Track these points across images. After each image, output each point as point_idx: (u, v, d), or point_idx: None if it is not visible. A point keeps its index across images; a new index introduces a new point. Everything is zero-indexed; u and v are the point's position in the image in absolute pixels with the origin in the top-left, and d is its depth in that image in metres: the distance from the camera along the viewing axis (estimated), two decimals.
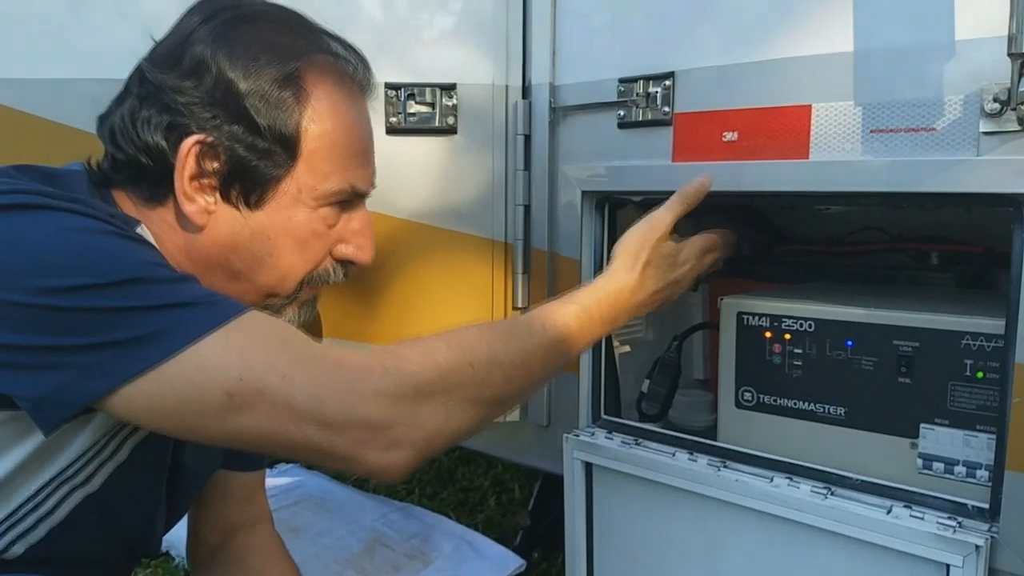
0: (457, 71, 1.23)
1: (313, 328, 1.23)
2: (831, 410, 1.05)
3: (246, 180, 0.81)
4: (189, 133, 0.78)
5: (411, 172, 1.24)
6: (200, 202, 0.80)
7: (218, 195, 0.81)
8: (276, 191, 0.82)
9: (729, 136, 1.04)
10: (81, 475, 0.76)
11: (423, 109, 1.23)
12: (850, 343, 1.03)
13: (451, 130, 1.23)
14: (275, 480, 1.76)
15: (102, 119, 0.83)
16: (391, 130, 1.23)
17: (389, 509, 1.61)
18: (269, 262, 0.83)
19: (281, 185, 0.82)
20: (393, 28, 1.22)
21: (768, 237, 1.55)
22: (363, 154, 0.88)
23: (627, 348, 1.39)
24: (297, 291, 0.86)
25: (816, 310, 1.06)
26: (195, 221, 0.80)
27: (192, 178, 0.79)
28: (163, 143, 0.78)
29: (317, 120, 0.82)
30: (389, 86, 1.21)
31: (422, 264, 1.25)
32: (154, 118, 0.78)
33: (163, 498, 0.91)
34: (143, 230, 0.79)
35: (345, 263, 0.88)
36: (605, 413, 1.25)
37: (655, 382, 1.30)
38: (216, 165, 0.80)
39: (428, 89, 1.22)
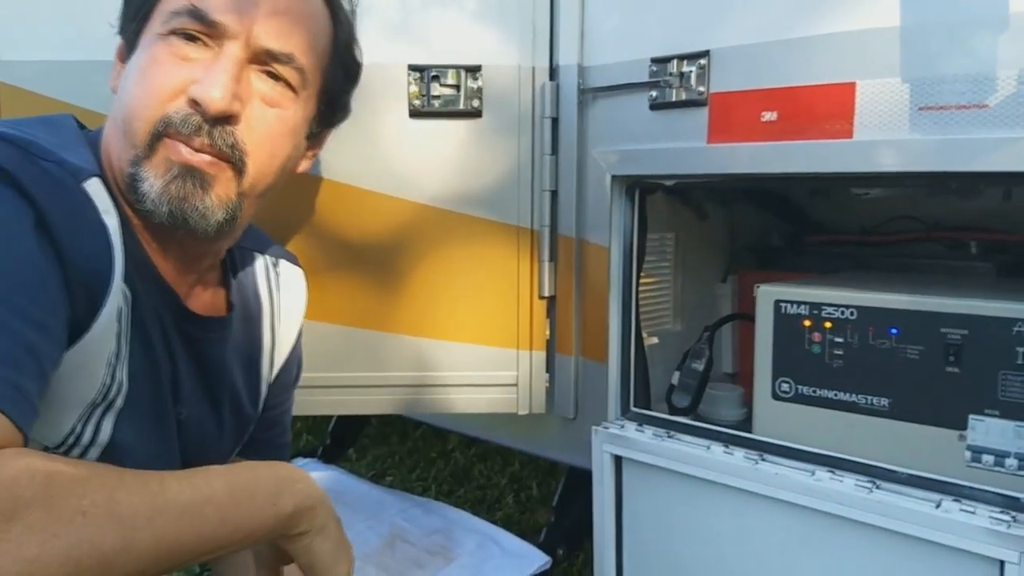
0: (482, 52, 1.19)
1: (321, 312, 1.18)
2: (874, 401, 1.01)
3: (129, 22, 0.81)
4: None
5: (434, 156, 1.20)
6: (117, 67, 0.82)
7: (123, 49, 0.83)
8: (147, 29, 0.79)
9: (768, 116, 1.00)
10: None
11: (447, 91, 1.19)
12: (895, 331, 0.98)
13: (476, 113, 1.19)
14: None
15: None
16: (414, 113, 1.19)
17: (409, 504, 1.58)
18: (123, 102, 0.77)
19: (150, 23, 0.79)
20: (416, 8, 1.19)
21: (798, 227, 1.51)
22: None
23: (655, 340, 1.35)
24: (150, 142, 0.75)
25: (859, 297, 1.02)
26: (112, 88, 0.82)
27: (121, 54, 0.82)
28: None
29: None
30: (412, 68, 1.18)
31: (445, 251, 1.22)
32: None
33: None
34: (95, 184, 0.71)
35: (193, 106, 0.74)
36: (635, 405, 1.21)
37: (685, 374, 1.27)
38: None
39: (452, 71, 1.19)
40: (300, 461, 1.88)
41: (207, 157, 0.76)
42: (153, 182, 0.74)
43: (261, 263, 1.00)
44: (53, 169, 0.67)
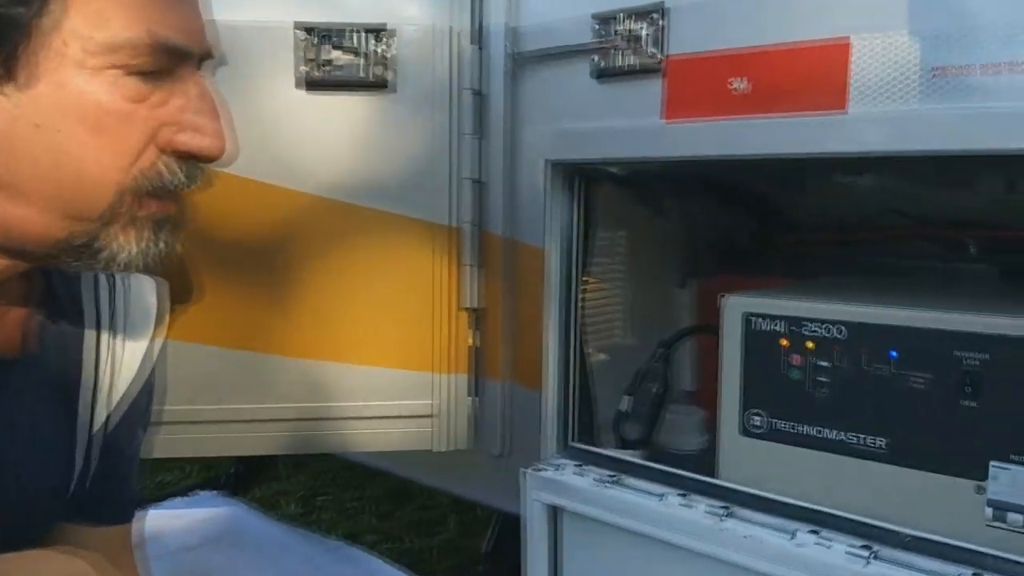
0: (389, 9, 0.98)
1: (192, 331, 0.96)
2: (868, 441, 0.81)
3: None
4: None
5: (331, 138, 0.99)
6: None
7: None
8: (41, 51, 0.55)
9: (738, 85, 0.80)
10: None
11: (346, 58, 0.98)
12: (895, 354, 0.79)
13: (382, 85, 0.98)
14: (186, 512, 1.49)
15: None
16: (306, 84, 0.97)
17: (317, 550, 1.35)
18: (59, 164, 0.56)
19: (45, 40, 0.55)
20: None
21: (769, 224, 1.32)
22: None
23: (603, 356, 1.14)
24: (118, 207, 0.60)
25: (849, 311, 0.82)
26: None
27: None
28: None
29: None
30: (301, 27, 0.95)
31: (346, 255, 1.00)
32: None
33: None
34: None
35: (185, 157, 0.62)
36: (576, 439, 1.00)
37: (638, 398, 1.06)
38: None
39: (353, 32, 0.97)
40: (198, 495, 1.64)
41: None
42: (129, 252, 0.62)
43: None
44: None
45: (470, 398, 1.04)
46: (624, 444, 1.06)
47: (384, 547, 2.18)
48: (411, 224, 1.00)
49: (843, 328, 0.82)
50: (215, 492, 1.67)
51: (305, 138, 0.98)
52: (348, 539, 2.21)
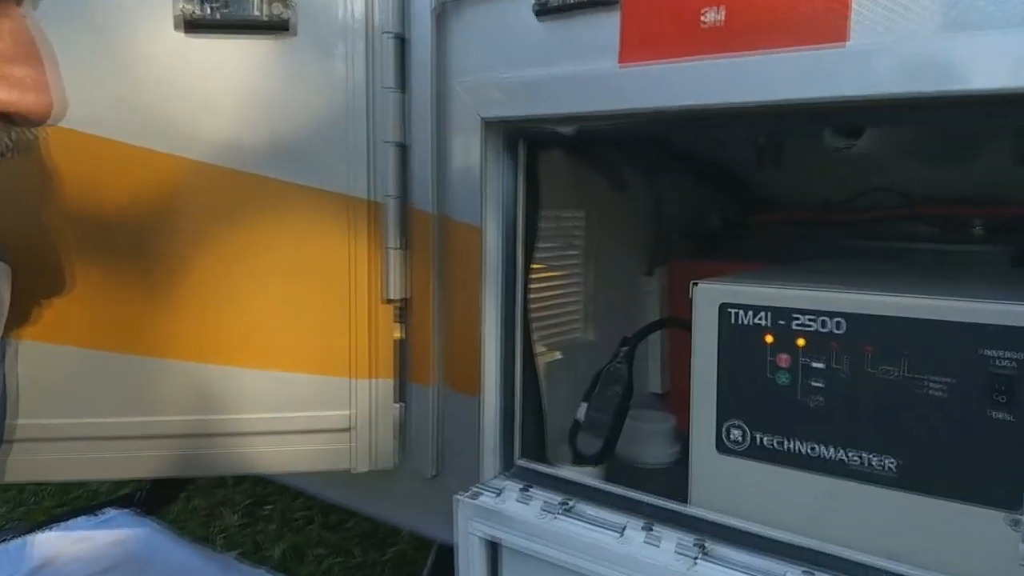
0: None
1: (43, 328, 0.78)
2: (874, 462, 0.65)
3: None
4: None
5: (218, 92, 0.80)
6: None
7: None
8: None
9: (712, 16, 0.63)
10: None
11: None
12: (907, 354, 0.63)
13: (281, 26, 0.80)
14: (89, 534, 1.30)
15: None
16: (186, 25, 0.78)
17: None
18: None
19: None
20: None
21: (743, 202, 1.17)
22: None
23: (556, 355, 0.98)
24: None
25: (850, 300, 0.66)
26: None
27: None
28: None
29: None
30: None
31: (237, 234, 0.82)
32: None
33: None
34: None
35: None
36: (522, 456, 0.84)
37: (596, 405, 0.90)
38: None
39: None
40: (107, 514, 1.45)
41: None
42: None
43: None
44: None
45: (396, 406, 0.87)
46: (580, 460, 0.90)
47: (332, 561, 2.01)
48: (319, 198, 0.82)
49: (842, 321, 0.66)
50: (127, 510, 1.49)
51: (186, 92, 0.80)
52: (294, 552, 2.04)
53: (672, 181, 1.16)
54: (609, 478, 0.93)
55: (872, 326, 0.65)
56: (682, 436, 0.90)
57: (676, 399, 1.14)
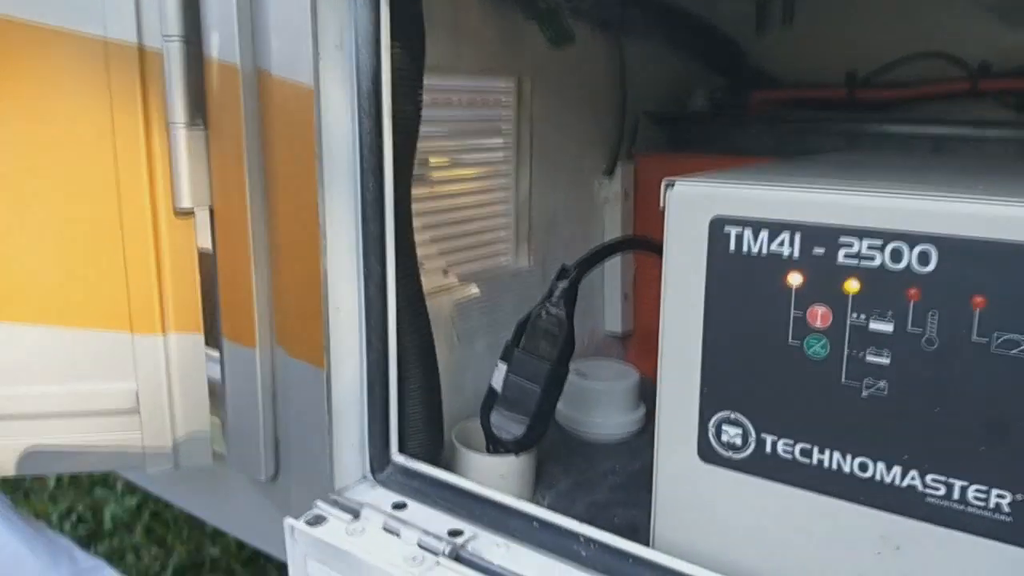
0: None
1: None
2: (974, 496, 0.38)
3: None
4: None
5: None
6: None
7: None
8: None
9: None
10: None
11: None
12: None
13: None
14: None
15: None
16: None
17: (63, 572, 0.90)
18: None
19: None
20: None
21: (737, 75, 0.88)
22: None
23: (469, 292, 0.68)
24: None
25: (946, 213, 0.36)
26: None
27: None
28: None
29: None
30: None
31: None
32: None
33: None
34: None
35: None
36: (402, 449, 0.55)
37: (519, 369, 0.61)
38: None
39: None
40: None
41: None
42: None
43: None
44: None
45: (207, 376, 0.57)
46: (497, 446, 0.61)
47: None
48: (62, 42, 0.50)
49: (930, 250, 0.37)
50: None
51: None
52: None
53: (642, 42, 0.83)
54: (543, 466, 0.65)
55: (985, 262, 0.35)
56: (648, 394, 0.61)
57: (640, 343, 0.86)
